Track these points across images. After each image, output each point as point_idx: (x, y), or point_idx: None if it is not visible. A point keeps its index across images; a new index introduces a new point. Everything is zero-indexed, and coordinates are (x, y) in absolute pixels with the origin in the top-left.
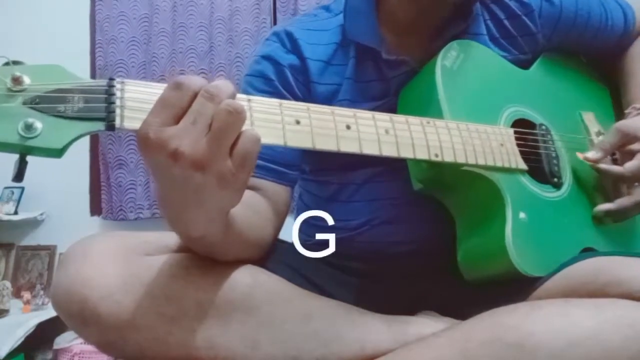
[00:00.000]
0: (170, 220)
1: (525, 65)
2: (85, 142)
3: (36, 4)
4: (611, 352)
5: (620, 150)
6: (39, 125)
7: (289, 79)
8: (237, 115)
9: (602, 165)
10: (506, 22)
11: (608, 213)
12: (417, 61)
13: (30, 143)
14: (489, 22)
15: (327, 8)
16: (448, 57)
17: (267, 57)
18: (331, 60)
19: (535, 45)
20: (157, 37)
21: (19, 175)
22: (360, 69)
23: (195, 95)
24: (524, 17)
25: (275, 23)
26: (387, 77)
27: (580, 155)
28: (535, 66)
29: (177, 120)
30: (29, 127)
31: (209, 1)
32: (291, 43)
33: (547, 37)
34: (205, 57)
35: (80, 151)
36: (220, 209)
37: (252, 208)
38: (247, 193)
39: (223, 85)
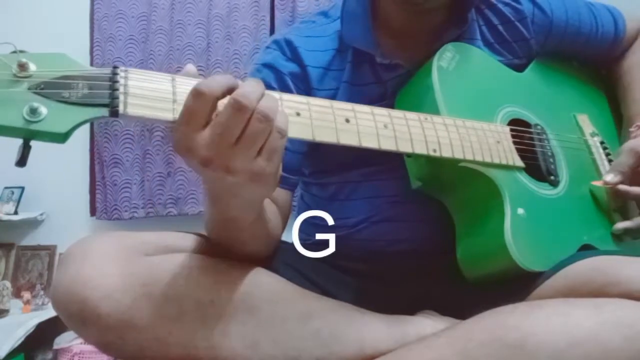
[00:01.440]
0: (208, 202)
1: (519, 69)
2: (86, 142)
3: (36, 2)
4: (611, 352)
5: (633, 171)
6: (43, 110)
7: (290, 87)
8: (267, 123)
9: (623, 187)
10: (500, 28)
11: (627, 231)
12: (412, 65)
13: (35, 127)
14: (483, 27)
15: (325, 14)
16: (444, 58)
17: (268, 66)
18: (330, 66)
19: (529, 50)
20: (155, 34)
21: (22, 160)
22: (357, 72)
23: (216, 100)
24: (517, 23)
25: (273, 21)
26: (383, 80)
27: (598, 183)
28: (529, 69)
29: (206, 124)
30: (33, 112)
31: None
32: (291, 51)
33: (540, 44)
34: (203, 54)
35: (81, 151)
36: (254, 200)
37: (269, 206)
38: None
39: (251, 91)
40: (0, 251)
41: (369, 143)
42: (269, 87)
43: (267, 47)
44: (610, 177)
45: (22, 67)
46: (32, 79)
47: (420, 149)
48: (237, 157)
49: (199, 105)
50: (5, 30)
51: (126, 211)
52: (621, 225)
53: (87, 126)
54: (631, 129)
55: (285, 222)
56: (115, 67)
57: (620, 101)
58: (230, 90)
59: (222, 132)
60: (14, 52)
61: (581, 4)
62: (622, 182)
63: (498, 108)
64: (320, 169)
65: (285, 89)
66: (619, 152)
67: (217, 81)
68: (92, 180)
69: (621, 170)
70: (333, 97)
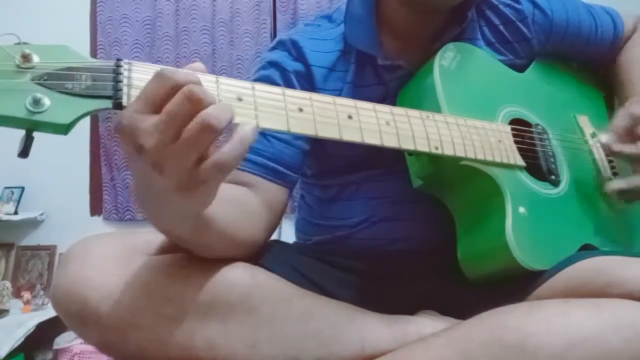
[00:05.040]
0: (140, 207)
1: (520, 69)
2: (86, 142)
3: (35, 5)
4: (611, 352)
5: (628, 135)
6: (46, 101)
7: (295, 85)
8: (212, 132)
9: (617, 145)
10: (501, 28)
11: (621, 192)
12: (413, 65)
13: (38, 118)
14: (484, 28)
15: (329, 18)
16: (445, 58)
17: (273, 64)
18: (334, 67)
19: (531, 50)
20: (161, 41)
21: (24, 152)
22: (360, 74)
23: (176, 88)
24: (518, 23)
25: (275, 24)
26: (385, 81)
27: (594, 143)
28: (530, 69)
29: (156, 110)
30: (36, 102)
31: (211, 4)
32: (296, 51)
33: (541, 44)
34: (209, 60)
35: (81, 151)
36: (183, 212)
37: (241, 207)
38: (240, 191)
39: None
40: (0, 251)
41: (372, 140)
42: (274, 84)
43: (274, 48)
44: (605, 138)
45: (26, 58)
46: (36, 70)
47: (422, 147)
48: (172, 157)
49: (155, 87)
50: (5, 29)
51: (140, 212)
52: (615, 185)
53: (87, 126)
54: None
55: (277, 219)
56: (118, 60)
57: (617, 95)
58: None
59: (167, 120)
60: (18, 43)
61: (580, 5)
62: (615, 142)
63: (499, 108)
64: (323, 170)
65: (289, 86)
66: (614, 116)
67: (184, 71)
68: (95, 181)
69: (616, 131)
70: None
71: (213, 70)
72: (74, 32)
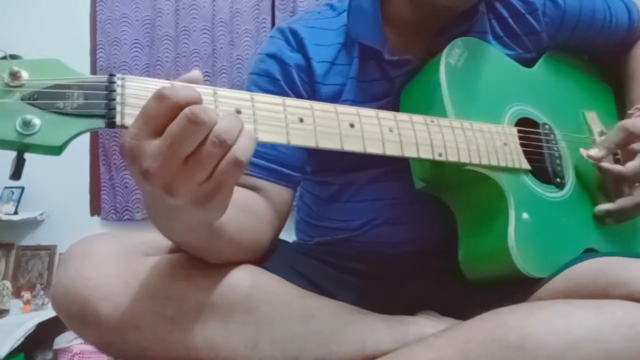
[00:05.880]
0: (152, 222)
1: (529, 63)
2: (86, 142)
3: (35, 5)
4: (611, 352)
5: (623, 149)
6: (37, 121)
7: (295, 79)
8: (222, 148)
9: (604, 164)
10: (510, 21)
11: (608, 213)
12: (420, 60)
13: (29, 140)
14: (493, 21)
15: (331, 6)
16: (452, 55)
17: (272, 56)
18: (335, 61)
19: (540, 43)
20: (161, 40)
21: (16, 174)
22: (364, 68)
23: (177, 108)
24: (528, 16)
25: (274, 23)
26: (390, 77)
27: (583, 152)
28: (538, 64)
29: (158, 132)
30: (27, 124)
31: (211, 4)
32: (296, 41)
33: (551, 36)
34: (209, 60)
35: (81, 151)
36: (198, 223)
37: (248, 211)
38: (247, 194)
39: (213, 108)
40: (0, 251)
41: (374, 149)
42: (272, 78)
43: (272, 36)
44: (594, 152)
45: (14, 75)
46: (25, 88)
47: (425, 154)
48: (180, 179)
49: (155, 108)
50: (5, 28)
51: (138, 212)
52: (603, 207)
53: None
54: (630, 111)
55: (283, 221)
56: (111, 75)
57: (625, 88)
58: (194, 103)
59: (172, 143)
60: (4, 57)
61: None
62: (604, 158)
63: (506, 107)
64: (325, 167)
65: (290, 81)
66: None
67: (184, 89)
68: (94, 181)
69: (607, 146)
70: (339, 93)
71: (213, 70)
72: (73, 31)
